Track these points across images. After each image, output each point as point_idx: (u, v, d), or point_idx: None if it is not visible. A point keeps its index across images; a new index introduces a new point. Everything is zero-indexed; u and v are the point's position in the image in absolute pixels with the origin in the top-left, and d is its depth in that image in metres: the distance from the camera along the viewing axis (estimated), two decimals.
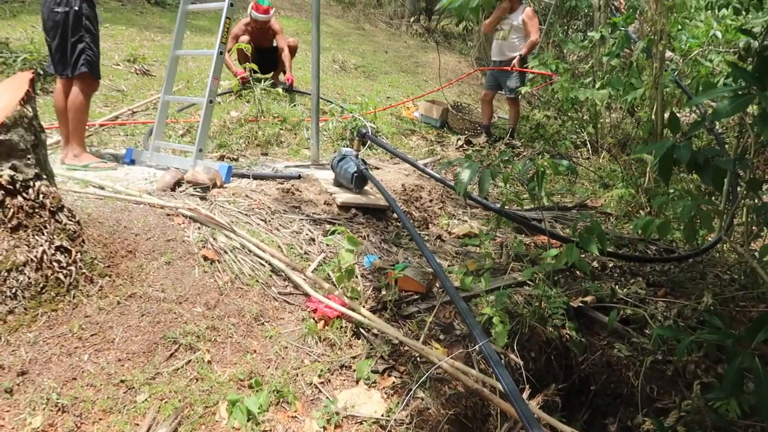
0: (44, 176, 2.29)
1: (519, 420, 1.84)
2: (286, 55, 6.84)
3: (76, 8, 3.69)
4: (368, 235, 3.41)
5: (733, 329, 2.38)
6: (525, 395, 2.35)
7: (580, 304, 2.98)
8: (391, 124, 6.75)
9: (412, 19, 13.54)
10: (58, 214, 2.27)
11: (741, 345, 2.25)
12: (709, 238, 3.72)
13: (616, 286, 3.18)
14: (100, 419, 1.83)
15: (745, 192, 3.38)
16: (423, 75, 9.85)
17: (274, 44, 6.95)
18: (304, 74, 7.82)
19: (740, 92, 1.92)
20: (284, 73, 6.93)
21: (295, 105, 6.42)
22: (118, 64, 6.80)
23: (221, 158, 4.56)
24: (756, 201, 3.25)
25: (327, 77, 8.11)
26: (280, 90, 6.35)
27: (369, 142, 5.28)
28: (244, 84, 6.16)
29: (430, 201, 4.36)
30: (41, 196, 2.22)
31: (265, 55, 6.79)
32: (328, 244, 3.14)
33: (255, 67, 5.54)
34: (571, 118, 6.88)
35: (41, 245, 2.16)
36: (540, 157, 5.74)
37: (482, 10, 2.79)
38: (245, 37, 6.63)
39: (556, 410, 2.48)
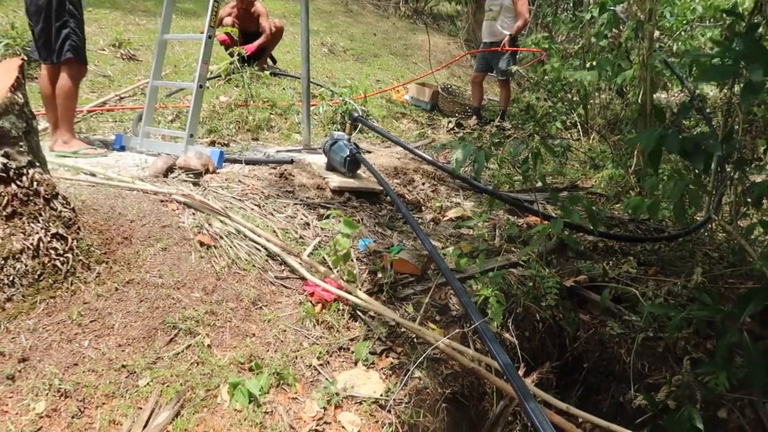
0: (37, 163, 2.28)
1: (515, 396, 1.88)
2: (266, 35, 6.79)
3: None
4: (362, 219, 3.43)
5: (722, 306, 2.43)
6: (520, 373, 2.39)
7: (573, 284, 3.03)
8: (382, 107, 6.74)
9: (400, 1, 13.43)
10: (52, 202, 2.26)
11: (730, 321, 2.31)
12: (698, 217, 3.78)
13: (608, 266, 3.23)
14: (103, 403, 1.85)
15: (732, 171, 3.43)
16: (412, 57, 9.81)
17: (261, 30, 6.89)
18: (293, 58, 7.77)
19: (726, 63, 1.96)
20: (266, 54, 6.92)
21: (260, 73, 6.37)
22: (104, 49, 6.70)
23: (212, 143, 4.53)
24: (743, 180, 3.31)
25: (316, 60, 8.05)
26: (268, 73, 6.31)
27: (360, 125, 5.27)
28: (227, 48, 6.14)
29: (423, 184, 4.38)
30: (35, 183, 2.21)
31: (250, 39, 6.73)
32: (323, 228, 3.15)
33: (242, 51, 5.49)
34: (561, 100, 6.91)
35: (37, 233, 2.16)
36: (530, 139, 5.78)
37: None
38: (229, 20, 6.58)
39: (550, 387, 2.54)
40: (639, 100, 5.01)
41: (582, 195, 2.82)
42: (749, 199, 3.24)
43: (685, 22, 6.19)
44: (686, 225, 3.64)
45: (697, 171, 3.94)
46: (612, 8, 5.49)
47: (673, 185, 2.88)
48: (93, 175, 3.29)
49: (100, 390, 1.89)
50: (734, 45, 2.04)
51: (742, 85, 3.39)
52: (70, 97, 3.83)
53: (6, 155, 2.13)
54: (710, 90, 6.86)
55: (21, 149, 2.19)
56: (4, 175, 2.10)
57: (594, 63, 5.52)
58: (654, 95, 5.21)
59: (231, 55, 5.74)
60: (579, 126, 6.75)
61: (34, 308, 2.08)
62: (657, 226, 3.99)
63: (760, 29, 3.34)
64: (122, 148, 4.17)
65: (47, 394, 1.82)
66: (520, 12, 6.46)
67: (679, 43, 6.47)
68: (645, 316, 2.69)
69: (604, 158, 5.70)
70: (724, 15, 5.05)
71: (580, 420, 2.18)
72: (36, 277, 2.13)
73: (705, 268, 3.05)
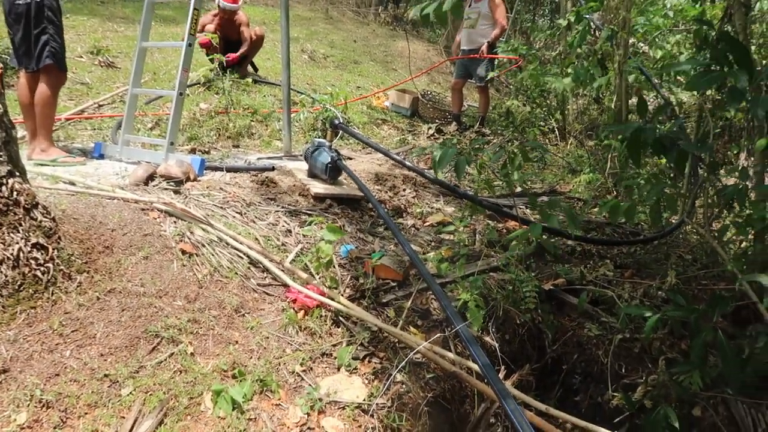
0: (17, 173, 2.27)
1: (495, 397, 1.92)
2: (247, 44, 6.82)
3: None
4: (344, 225, 3.45)
5: (696, 306, 2.51)
6: (501, 375, 2.44)
7: (552, 287, 3.09)
8: (363, 113, 6.78)
9: (380, 8, 13.52)
10: (32, 211, 2.25)
11: (704, 320, 2.38)
12: (673, 220, 3.87)
13: (585, 269, 3.29)
14: (86, 413, 1.85)
15: (705, 174, 3.53)
16: (392, 64, 9.87)
17: (242, 38, 6.90)
18: (274, 65, 7.77)
19: (712, 68, 2.02)
20: (247, 62, 6.94)
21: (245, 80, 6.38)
22: (81, 57, 6.65)
23: (192, 151, 4.53)
24: (716, 183, 3.40)
25: (297, 68, 8.07)
26: (249, 80, 6.32)
27: (341, 132, 5.30)
28: (208, 53, 6.14)
29: (404, 190, 4.42)
30: (15, 193, 2.20)
31: (232, 47, 6.74)
32: (305, 235, 3.17)
33: (222, 58, 5.48)
34: (540, 105, 7.01)
35: (17, 243, 2.15)
36: (510, 144, 5.86)
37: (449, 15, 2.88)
38: (211, 27, 6.58)
39: (530, 389, 2.58)
40: (614, 106, 5.13)
41: (560, 200, 2.87)
42: (721, 202, 3.32)
43: (657, 28, 6.32)
44: (662, 228, 3.72)
45: (673, 174, 4.04)
46: (587, 16, 5.61)
47: (649, 189, 2.95)
48: (72, 184, 3.27)
49: (82, 400, 1.89)
50: (714, 49, 2.10)
51: (713, 92, 3.49)
52: (49, 105, 3.81)
53: None
54: (685, 96, 7.02)
55: (0, 159, 2.18)
56: None
57: (570, 70, 5.62)
58: (629, 101, 5.32)
59: (212, 61, 5.74)
60: (557, 131, 6.86)
61: (15, 319, 2.07)
62: (633, 230, 4.08)
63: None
64: (101, 157, 4.15)
65: (29, 404, 1.81)
66: (497, 20, 6.55)
67: (653, 49, 6.61)
68: (621, 318, 2.75)
69: (581, 163, 5.80)
70: (693, 23, 5.18)
71: (560, 420, 2.22)
72: (16, 287, 2.12)
73: (679, 270, 3.13)
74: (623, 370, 2.77)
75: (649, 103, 7.57)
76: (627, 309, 2.70)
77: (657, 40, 6.45)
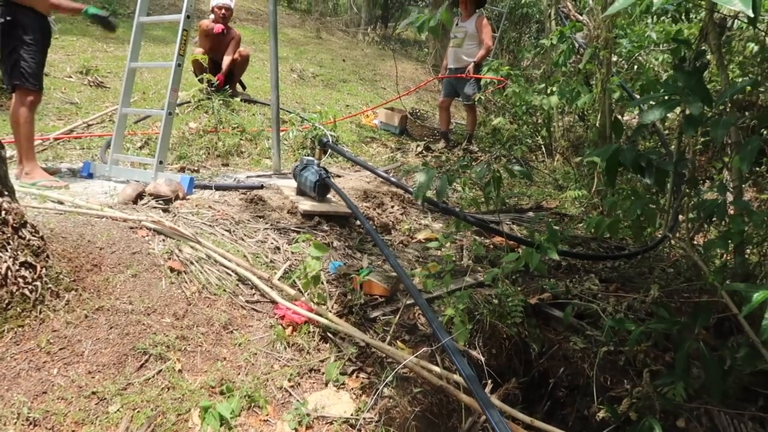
0: (6, 193, 2.29)
1: (479, 408, 1.94)
2: (228, 61, 6.77)
3: (9, 17, 3.57)
4: (332, 242, 3.48)
5: (679, 319, 2.55)
6: (487, 390, 2.46)
7: (537, 302, 3.13)
8: (352, 132, 6.85)
9: (368, 28, 13.69)
10: (21, 230, 2.27)
11: (687, 332, 2.42)
12: (658, 234, 3.94)
13: (571, 284, 3.34)
14: (73, 431, 1.85)
15: (686, 190, 3.60)
16: (381, 83, 9.98)
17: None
18: (263, 84, 7.84)
19: (669, 98, 2.09)
20: (235, 81, 6.98)
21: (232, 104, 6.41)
22: (71, 76, 6.68)
23: (182, 170, 4.56)
24: (696, 198, 3.47)
25: (286, 86, 8.15)
26: (238, 100, 6.37)
27: (330, 150, 5.35)
28: (197, 74, 6.22)
29: (392, 207, 4.46)
30: (3, 212, 2.22)
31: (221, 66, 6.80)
32: (293, 252, 3.20)
33: (212, 77, 5.53)
34: (526, 123, 7.11)
35: (5, 261, 2.16)
36: (497, 161, 5.93)
37: (442, 27, 2.95)
38: (200, 49, 6.64)
39: (517, 403, 2.61)
40: (599, 123, 5.22)
41: (555, 231, 2.91)
42: (702, 216, 3.39)
43: (640, 47, 6.47)
44: (645, 243, 3.79)
45: (653, 190, 4.12)
46: (570, 35, 5.73)
47: (629, 204, 3.02)
48: (61, 203, 3.28)
49: (69, 417, 1.89)
50: (676, 80, 2.19)
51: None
52: (23, 124, 3.75)
53: None
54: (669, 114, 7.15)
55: None
56: None
57: (555, 88, 5.72)
58: (613, 117, 5.43)
59: (201, 81, 5.79)
60: (543, 148, 6.96)
61: (2, 337, 2.07)
62: (618, 244, 4.14)
63: (707, 56, 3.54)
64: (90, 176, 4.17)
65: (16, 422, 1.81)
66: (483, 40, 6.67)
67: (635, 67, 6.75)
68: (606, 331, 2.79)
69: (568, 179, 5.88)
70: (672, 41, 5.31)
71: None
72: (4, 305, 2.12)
73: (662, 283, 3.17)
74: (609, 383, 2.80)
75: (634, 120, 7.71)
76: (612, 322, 2.74)
77: (639, 58, 6.60)
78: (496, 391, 2.50)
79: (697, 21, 4.56)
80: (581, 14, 6.29)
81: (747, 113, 3.92)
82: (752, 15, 1.17)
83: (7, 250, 2.18)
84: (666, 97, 2.13)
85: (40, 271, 2.27)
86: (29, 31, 3.66)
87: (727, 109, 2.81)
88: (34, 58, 3.70)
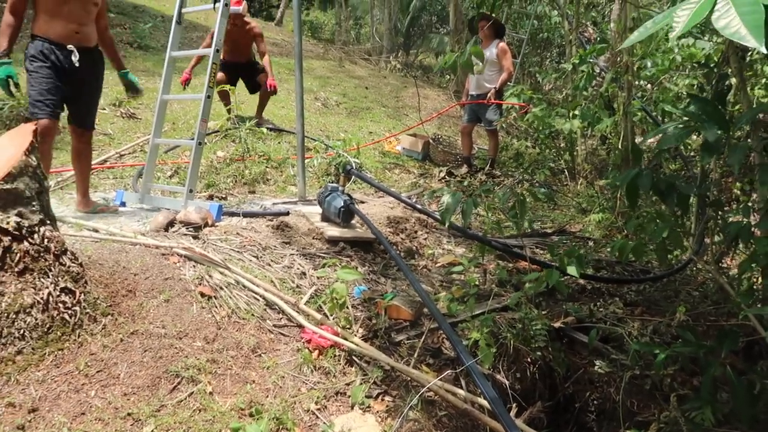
0: (48, 221, 2.41)
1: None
2: (266, 60, 6.74)
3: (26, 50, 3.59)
4: (357, 267, 3.54)
5: (705, 342, 2.54)
6: (512, 413, 2.47)
7: (562, 325, 3.13)
8: (375, 158, 6.96)
9: (391, 56, 13.92)
10: (62, 257, 2.38)
11: (713, 356, 2.41)
12: (684, 257, 3.91)
13: (595, 307, 3.33)
14: None
15: (711, 212, 3.59)
16: (404, 110, 10.12)
17: (252, 59, 6.96)
18: (288, 113, 8.02)
19: (685, 125, 2.13)
20: (261, 109, 7.08)
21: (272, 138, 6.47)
22: (104, 108, 6.92)
23: (210, 197, 4.69)
24: (720, 220, 3.45)
25: (310, 115, 8.31)
26: (264, 129, 6.53)
27: (354, 177, 5.45)
28: (225, 104, 6.31)
29: (416, 232, 4.51)
30: (46, 240, 2.33)
31: (243, 72, 6.82)
32: (319, 277, 3.27)
33: (238, 108, 5.66)
34: (548, 146, 7.15)
35: (47, 287, 2.27)
36: (519, 185, 5.97)
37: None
38: (221, 75, 6.72)
39: (542, 427, 2.61)
40: (621, 147, 5.23)
41: (576, 248, 2.94)
42: (726, 239, 3.37)
43: (665, 70, 6.49)
44: (670, 266, 3.77)
45: (677, 213, 4.11)
46: (592, 60, 5.78)
47: (653, 227, 3.02)
48: (96, 230, 3.42)
49: None
50: (691, 106, 2.22)
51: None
52: (42, 157, 3.63)
53: (20, 214, 2.26)
54: (694, 134, 7.11)
55: (33, 208, 2.32)
56: (17, 233, 2.23)
57: (577, 112, 5.76)
58: (635, 140, 5.43)
59: (229, 111, 5.96)
60: (566, 172, 6.97)
61: (43, 360, 2.17)
62: (643, 267, 4.12)
63: (731, 80, 3.56)
64: (123, 204, 4.32)
65: None
66: (504, 66, 6.76)
67: (658, 90, 6.76)
68: (631, 355, 2.78)
69: (591, 203, 5.88)
70: (697, 66, 5.34)
71: None
72: (45, 330, 2.22)
73: (688, 306, 3.15)
74: (635, 407, 2.78)
75: (656, 141, 7.67)
76: (637, 345, 2.73)
77: (664, 82, 6.61)
78: (521, 415, 2.51)
79: (719, 42, 4.58)
80: (598, 38, 6.35)
81: None
82: (766, 51, 1.21)
83: (48, 277, 2.29)
84: (682, 125, 2.16)
85: (79, 296, 2.37)
86: (27, 58, 3.62)
87: (749, 132, 2.83)
88: (33, 86, 3.57)
